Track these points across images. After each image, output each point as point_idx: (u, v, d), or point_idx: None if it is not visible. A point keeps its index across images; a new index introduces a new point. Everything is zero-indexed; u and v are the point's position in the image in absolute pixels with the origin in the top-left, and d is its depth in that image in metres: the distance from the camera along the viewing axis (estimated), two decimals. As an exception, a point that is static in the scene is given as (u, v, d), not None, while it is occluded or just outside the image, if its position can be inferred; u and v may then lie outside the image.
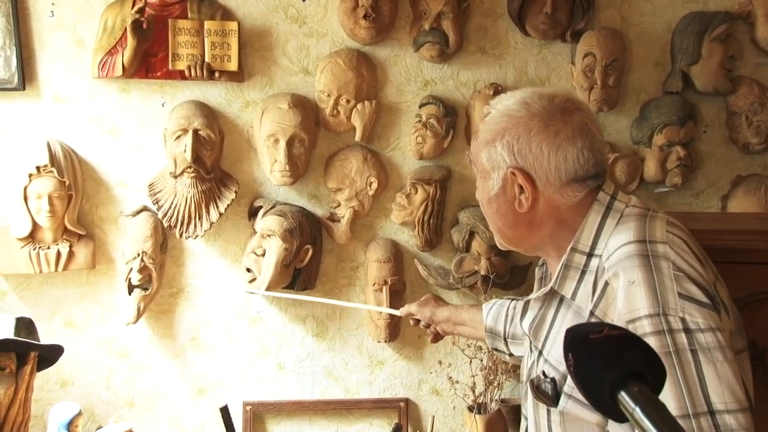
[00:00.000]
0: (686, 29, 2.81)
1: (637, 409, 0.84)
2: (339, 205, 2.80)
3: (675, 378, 1.16)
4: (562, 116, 1.38)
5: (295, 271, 2.73)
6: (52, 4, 2.62)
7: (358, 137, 2.76)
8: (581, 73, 2.79)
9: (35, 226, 2.58)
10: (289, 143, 2.66)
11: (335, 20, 2.76)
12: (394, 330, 2.80)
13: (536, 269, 1.64)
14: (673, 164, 2.81)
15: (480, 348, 2.74)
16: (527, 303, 1.57)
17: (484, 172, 1.47)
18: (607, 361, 0.88)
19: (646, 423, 0.83)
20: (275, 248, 2.64)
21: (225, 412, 2.06)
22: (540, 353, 1.47)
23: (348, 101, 2.73)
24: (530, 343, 1.53)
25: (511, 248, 1.56)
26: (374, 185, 2.77)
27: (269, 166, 2.71)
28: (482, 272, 2.76)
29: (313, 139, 2.75)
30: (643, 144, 2.84)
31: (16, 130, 2.64)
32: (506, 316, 1.89)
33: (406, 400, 2.87)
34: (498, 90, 2.76)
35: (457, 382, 2.81)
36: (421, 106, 2.80)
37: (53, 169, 2.54)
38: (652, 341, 1.19)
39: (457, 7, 2.75)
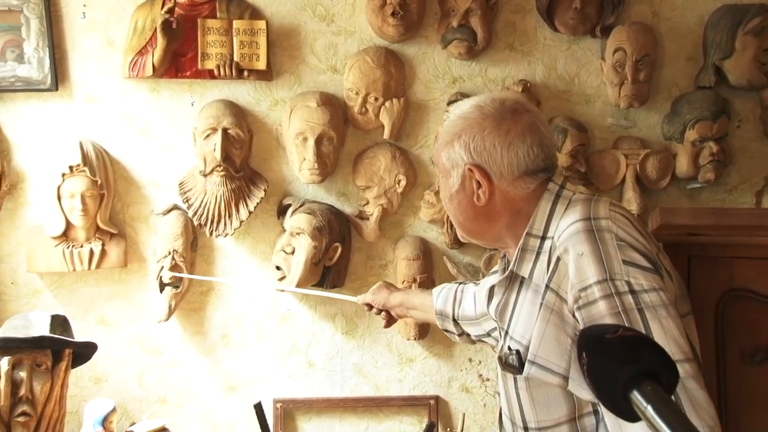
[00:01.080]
0: (719, 23, 2.76)
1: (649, 407, 0.86)
2: (368, 202, 2.80)
3: None
4: (512, 116, 1.53)
5: (325, 269, 2.73)
6: (84, 5, 2.66)
7: (386, 135, 2.76)
8: (611, 69, 2.76)
9: (68, 225, 2.62)
10: (318, 141, 2.67)
11: (363, 18, 2.76)
12: (424, 328, 2.79)
13: (499, 261, 1.76)
14: (705, 160, 2.76)
15: (510, 346, 2.72)
16: (492, 289, 1.68)
17: (444, 171, 1.61)
18: (621, 359, 0.91)
19: (658, 421, 0.84)
20: (304, 246, 2.65)
21: (259, 409, 2.07)
22: (506, 333, 1.58)
23: (376, 99, 2.73)
24: (498, 327, 1.65)
25: (472, 241, 1.70)
26: (403, 183, 2.77)
27: (298, 165, 2.71)
28: (512, 270, 2.75)
29: (341, 137, 2.76)
30: (675, 139, 2.80)
31: (50, 130, 2.68)
32: (454, 298, 2.03)
33: (436, 398, 2.87)
34: (527, 86, 2.75)
35: (488, 379, 2.80)
36: (450, 103, 2.79)
37: (85, 169, 2.57)
38: (602, 305, 1.35)
39: (485, 4, 2.74)
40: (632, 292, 1.34)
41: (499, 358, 1.59)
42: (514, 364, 1.52)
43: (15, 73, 2.61)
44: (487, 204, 1.55)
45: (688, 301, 1.52)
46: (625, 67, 2.72)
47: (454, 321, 2.03)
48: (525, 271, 1.53)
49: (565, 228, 1.47)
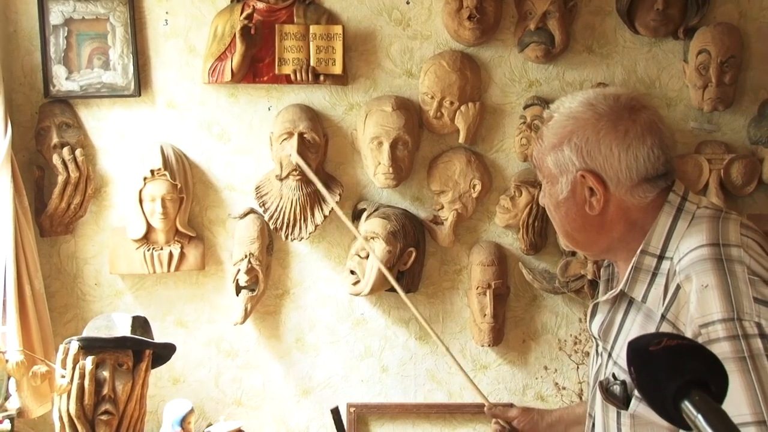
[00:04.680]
0: (811, 22, 2.67)
1: (699, 416, 0.85)
2: (442, 207, 2.78)
3: (749, 383, 1.15)
4: (629, 115, 1.38)
5: (399, 274, 2.72)
6: (166, 12, 2.71)
7: (461, 139, 2.74)
8: (695, 71, 2.68)
9: (149, 228, 2.67)
10: (393, 146, 2.66)
11: (439, 22, 2.75)
12: (498, 334, 2.76)
13: (602, 270, 1.63)
14: (795, 165, 2.66)
15: (587, 354, 2.67)
16: (595, 306, 1.55)
17: (550, 176, 1.47)
18: (667, 371, 0.90)
19: (708, 431, 0.84)
20: (378, 251, 2.65)
21: (336, 413, 2.08)
22: (609, 355, 1.47)
23: (452, 103, 2.71)
24: (597, 346, 1.55)
25: (577, 250, 1.58)
26: (478, 187, 2.74)
27: (373, 169, 2.71)
28: (589, 276, 2.69)
29: (416, 142, 2.75)
30: (762, 144, 2.70)
31: (132, 135, 2.74)
32: None
33: (511, 406, 2.82)
34: (605, 90, 2.69)
35: (564, 388, 2.75)
36: (526, 107, 2.76)
37: (166, 173, 2.62)
38: (726, 346, 1.20)
39: (564, 6, 2.69)
40: (762, 335, 1.19)
41: (600, 383, 1.46)
42: (618, 395, 1.39)
43: (101, 79, 2.68)
44: (600, 213, 1.41)
45: None
46: (709, 69, 2.64)
47: None
48: (638, 294, 1.40)
49: (688, 251, 1.33)
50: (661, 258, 1.37)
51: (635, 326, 1.41)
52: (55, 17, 2.64)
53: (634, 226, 1.41)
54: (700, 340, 1.23)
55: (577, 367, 2.70)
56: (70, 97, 2.69)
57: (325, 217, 2.71)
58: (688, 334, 1.26)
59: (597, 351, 1.56)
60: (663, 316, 1.33)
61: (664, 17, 2.66)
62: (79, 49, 2.67)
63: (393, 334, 2.84)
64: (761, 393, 1.14)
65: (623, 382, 1.39)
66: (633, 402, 1.36)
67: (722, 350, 1.20)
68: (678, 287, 1.31)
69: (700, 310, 1.25)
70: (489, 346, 2.77)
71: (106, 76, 2.68)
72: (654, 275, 1.38)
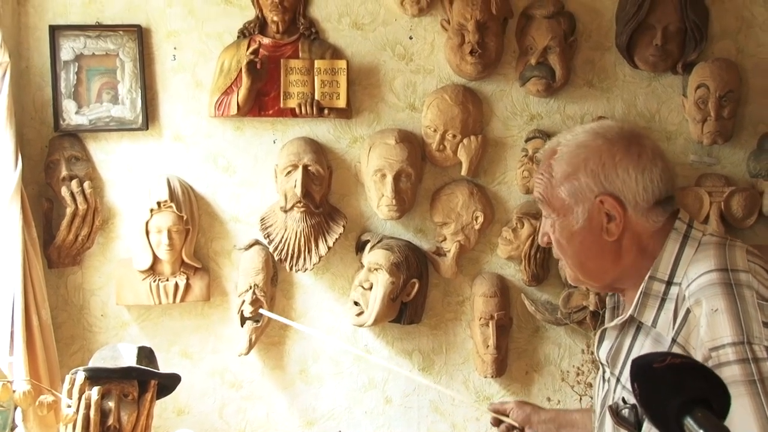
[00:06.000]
0: (808, 58, 2.71)
1: None
2: (445, 239, 2.81)
3: (759, 405, 1.17)
4: (638, 141, 1.43)
5: (402, 305, 2.75)
6: (174, 48, 2.76)
7: (464, 172, 2.77)
8: (693, 105, 2.72)
9: (155, 259, 2.70)
10: (396, 178, 2.70)
11: (442, 57, 2.80)
12: (501, 365, 2.77)
13: (607, 298, 1.65)
14: (794, 198, 2.69)
15: (590, 385, 2.68)
16: (603, 332, 1.56)
17: (564, 208, 1.46)
18: (670, 388, 0.91)
19: None
20: (382, 282, 2.67)
21: (339, 443, 2.09)
22: (618, 381, 1.48)
23: (454, 136, 2.75)
24: (604, 372, 1.56)
25: (586, 283, 1.55)
26: (480, 219, 2.77)
27: (376, 201, 2.75)
28: (591, 308, 2.71)
29: (419, 174, 2.78)
30: (762, 176, 2.73)
31: (139, 167, 2.78)
32: None
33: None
34: (606, 123, 2.73)
35: (567, 420, 2.75)
36: (528, 140, 2.80)
37: (172, 204, 2.65)
38: (736, 369, 1.21)
39: (564, 41, 2.74)
40: None
41: (610, 407, 1.47)
42: (629, 419, 1.41)
43: (110, 113, 2.72)
44: (617, 240, 1.43)
45: None
46: (708, 103, 2.68)
47: None
48: (648, 319, 1.41)
49: (697, 276, 1.35)
50: (669, 284, 1.40)
51: (643, 351, 1.42)
52: (66, 53, 2.69)
53: (644, 253, 1.43)
54: (710, 363, 1.25)
55: (580, 399, 2.70)
56: (80, 130, 2.73)
57: (329, 248, 2.73)
58: (698, 357, 1.28)
59: (603, 377, 1.57)
60: (674, 340, 1.34)
61: (663, 52, 2.71)
62: (89, 84, 2.72)
63: (396, 365, 2.83)
64: None
65: (633, 406, 1.41)
66: (645, 425, 1.37)
67: (732, 373, 1.22)
68: (688, 311, 1.33)
69: (710, 333, 1.27)
70: (492, 377, 2.78)
71: (114, 110, 2.72)
72: (663, 300, 1.40)
